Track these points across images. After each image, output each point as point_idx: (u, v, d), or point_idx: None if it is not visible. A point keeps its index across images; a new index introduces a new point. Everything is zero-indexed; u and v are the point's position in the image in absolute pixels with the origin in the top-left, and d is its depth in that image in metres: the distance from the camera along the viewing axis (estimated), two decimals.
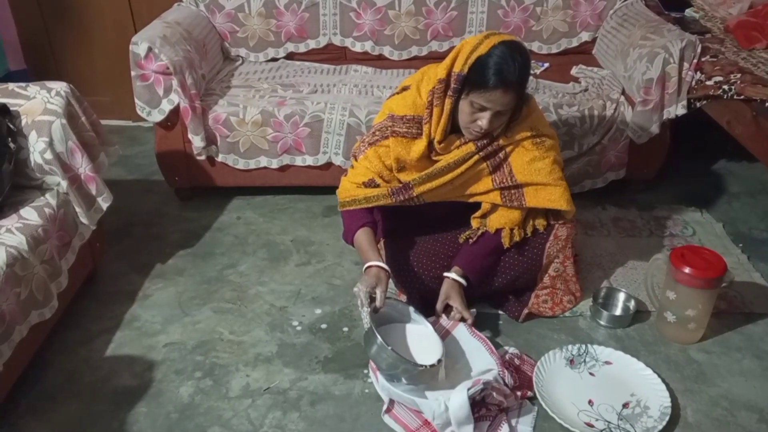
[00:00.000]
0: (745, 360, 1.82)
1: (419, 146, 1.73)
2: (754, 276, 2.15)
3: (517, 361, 1.76)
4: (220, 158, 2.41)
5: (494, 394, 1.56)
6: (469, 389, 1.51)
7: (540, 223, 1.85)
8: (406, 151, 1.75)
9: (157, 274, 2.16)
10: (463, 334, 1.76)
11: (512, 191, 1.78)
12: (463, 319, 1.78)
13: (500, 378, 1.60)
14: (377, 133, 1.79)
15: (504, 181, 1.76)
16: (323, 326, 1.93)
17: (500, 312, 1.98)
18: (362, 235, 1.78)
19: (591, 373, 1.76)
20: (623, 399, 1.68)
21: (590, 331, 1.93)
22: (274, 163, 2.42)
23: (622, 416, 1.62)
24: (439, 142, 1.72)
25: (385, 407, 1.63)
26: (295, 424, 1.61)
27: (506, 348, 1.81)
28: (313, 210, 2.51)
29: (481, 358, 1.69)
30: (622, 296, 2.01)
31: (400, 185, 1.77)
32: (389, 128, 1.76)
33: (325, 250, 2.26)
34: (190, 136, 2.34)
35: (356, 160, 1.84)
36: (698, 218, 2.47)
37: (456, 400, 1.51)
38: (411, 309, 1.74)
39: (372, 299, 1.65)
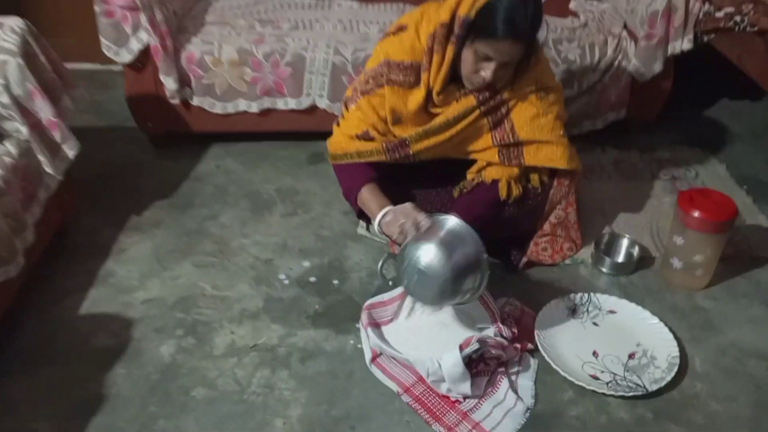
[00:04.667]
0: (753, 306, 1.75)
1: (417, 97, 1.60)
2: (760, 219, 2.06)
3: (516, 313, 1.67)
4: (195, 102, 2.25)
5: (492, 350, 1.47)
6: (462, 349, 1.42)
7: (542, 177, 1.75)
8: (402, 102, 1.61)
9: (132, 226, 2.03)
10: None
11: (511, 149, 1.67)
12: None
13: (497, 333, 1.51)
14: (371, 81, 1.65)
15: (504, 138, 1.65)
16: (312, 279, 1.82)
17: (497, 261, 1.88)
18: (366, 192, 1.65)
19: (594, 323, 1.68)
20: (629, 349, 1.60)
21: (592, 278, 1.85)
22: (254, 107, 2.26)
23: (629, 367, 1.55)
24: (438, 93, 1.59)
25: (369, 357, 1.54)
26: (285, 382, 1.52)
27: (505, 299, 1.71)
28: (298, 157, 2.37)
29: (478, 313, 1.59)
30: (625, 242, 1.92)
31: (396, 141, 1.64)
32: (384, 76, 1.62)
33: (312, 200, 2.13)
34: (161, 77, 2.16)
35: (347, 109, 1.70)
36: (701, 160, 2.37)
37: (449, 358, 1.42)
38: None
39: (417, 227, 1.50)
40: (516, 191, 1.71)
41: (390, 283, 1.66)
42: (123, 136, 2.48)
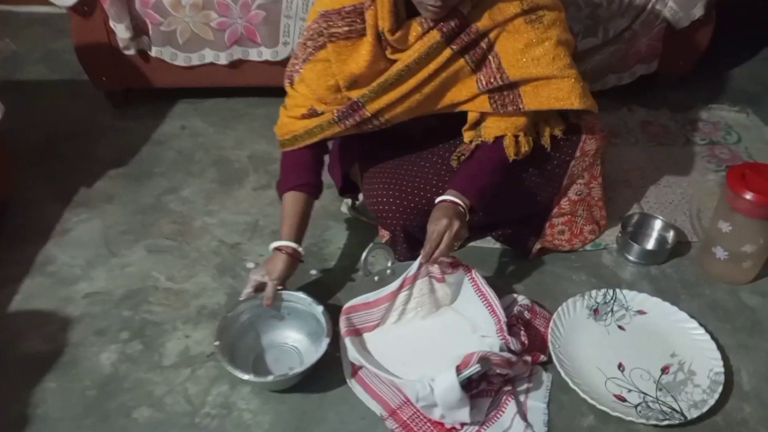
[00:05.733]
0: None
1: (365, 47, 1.25)
2: None
3: (527, 315, 1.39)
4: (154, 52, 1.92)
5: (496, 369, 1.20)
6: (459, 372, 1.14)
7: (556, 128, 1.41)
8: (353, 60, 1.26)
9: (80, 201, 1.74)
10: (457, 283, 1.37)
11: (505, 93, 1.31)
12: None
13: (503, 346, 1.24)
14: (309, 43, 1.31)
15: (492, 80, 1.28)
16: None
17: (505, 247, 1.59)
18: (289, 201, 1.37)
19: (620, 327, 1.40)
20: (662, 361, 1.33)
21: (617, 268, 1.56)
22: (223, 58, 1.93)
23: (662, 385, 1.28)
24: (391, 32, 1.22)
25: (349, 371, 1.29)
26: (245, 401, 1.26)
27: (513, 296, 1.43)
28: (276, 117, 2.03)
29: (481, 318, 1.31)
30: (657, 224, 1.62)
31: (346, 105, 1.32)
32: (324, 33, 1.27)
33: None
34: (111, 24, 1.84)
35: (292, 85, 1.38)
36: (743, 121, 2.06)
37: (443, 382, 1.14)
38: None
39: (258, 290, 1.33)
40: (525, 146, 1.36)
41: (376, 279, 1.38)
42: (78, 92, 2.17)
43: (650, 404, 1.24)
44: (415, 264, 1.30)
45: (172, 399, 1.27)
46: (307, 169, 1.39)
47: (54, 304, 1.46)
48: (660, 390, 1.27)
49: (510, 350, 1.24)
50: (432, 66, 1.25)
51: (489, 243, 1.59)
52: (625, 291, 1.45)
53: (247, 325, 1.33)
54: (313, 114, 1.34)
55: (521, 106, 1.30)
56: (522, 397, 1.26)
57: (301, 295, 1.33)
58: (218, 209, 1.71)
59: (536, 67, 1.27)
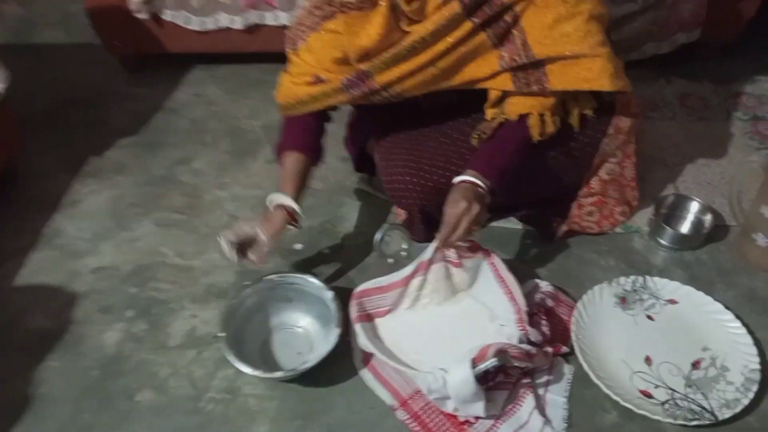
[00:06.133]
0: None
1: (378, 18, 1.14)
2: None
3: (550, 302, 1.31)
4: (167, 16, 1.85)
5: (515, 362, 1.13)
6: (475, 365, 1.08)
7: (586, 107, 1.30)
8: (364, 32, 1.15)
9: (90, 171, 1.70)
10: (475, 267, 1.30)
11: (529, 71, 1.19)
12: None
13: (523, 337, 1.16)
14: (316, 12, 1.21)
15: (516, 57, 1.16)
16: (297, 247, 1.48)
17: (528, 228, 1.50)
18: (289, 160, 1.30)
19: (649, 317, 1.32)
20: (693, 355, 1.24)
21: (648, 253, 1.47)
22: (238, 22, 1.85)
23: (692, 381, 1.20)
24: (408, 1, 1.13)
25: (360, 357, 1.24)
26: (252, 386, 1.21)
27: (536, 281, 1.35)
28: None
29: (500, 306, 1.23)
30: (693, 206, 1.52)
31: (355, 74, 1.22)
32: (334, 0, 1.19)
33: None
34: None
35: (296, 52, 1.28)
36: None
37: (456, 375, 1.08)
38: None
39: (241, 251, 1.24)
40: (551, 126, 1.26)
41: (390, 261, 1.31)
42: (93, 58, 2.11)
43: (678, 402, 1.16)
44: (431, 248, 1.22)
45: (176, 382, 1.23)
46: (309, 131, 1.32)
47: (60, 278, 1.42)
48: (689, 387, 1.19)
49: (530, 341, 1.17)
50: (450, 39, 1.14)
51: (511, 223, 1.51)
52: (655, 278, 1.36)
53: (254, 309, 1.27)
54: (318, 81, 1.25)
55: (546, 86, 1.19)
56: (541, 391, 1.19)
57: (309, 278, 1.27)
58: (230, 182, 1.65)
59: (565, 45, 1.15)
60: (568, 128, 1.30)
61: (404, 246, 1.33)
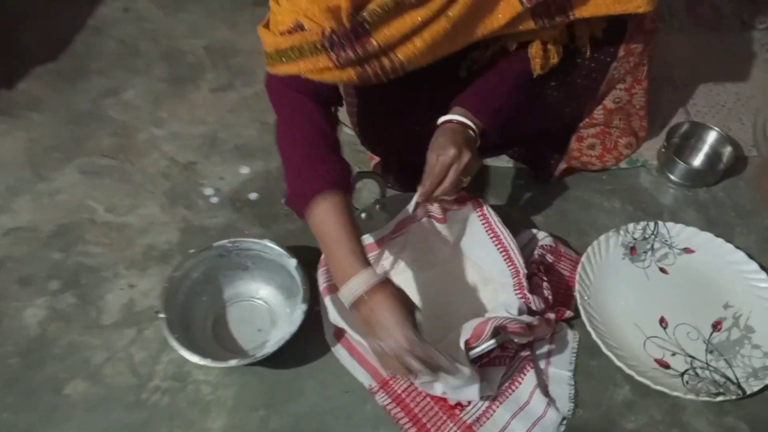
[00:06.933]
0: None
1: None
2: None
3: (549, 258, 1.13)
4: None
5: (514, 337, 0.96)
6: (470, 345, 0.90)
7: (597, 27, 1.06)
8: None
9: (1, 108, 1.42)
10: (463, 221, 1.09)
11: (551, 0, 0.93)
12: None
13: (523, 306, 0.98)
14: None
15: None
16: (252, 196, 1.26)
17: (521, 167, 1.30)
18: (325, 213, 0.89)
19: (662, 269, 1.15)
20: (713, 315, 1.09)
21: (657, 192, 1.29)
22: None
23: (713, 346, 1.05)
24: None
25: (331, 332, 1.06)
26: (204, 372, 1.03)
27: (532, 232, 1.16)
28: None
29: (495, 268, 1.04)
30: (710, 136, 1.32)
31: (345, 27, 0.88)
32: None
33: (257, 64, 1.49)
34: None
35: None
36: None
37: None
38: None
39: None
40: (555, 57, 1.03)
41: (363, 216, 1.11)
42: None
43: (699, 372, 1.02)
44: (411, 204, 1.01)
45: (113, 368, 1.03)
46: (329, 149, 0.96)
47: None
48: (711, 352, 1.04)
49: (530, 311, 0.99)
50: None
51: (502, 162, 1.30)
52: (669, 224, 1.18)
53: (202, 281, 1.06)
54: (297, 29, 0.90)
55: (570, 14, 0.95)
56: (542, 364, 1.03)
57: (268, 243, 1.06)
58: (168, 117, 1.40)
59: None
60: (572, 54, 1.07)
61: (378, 198, 1.12)
